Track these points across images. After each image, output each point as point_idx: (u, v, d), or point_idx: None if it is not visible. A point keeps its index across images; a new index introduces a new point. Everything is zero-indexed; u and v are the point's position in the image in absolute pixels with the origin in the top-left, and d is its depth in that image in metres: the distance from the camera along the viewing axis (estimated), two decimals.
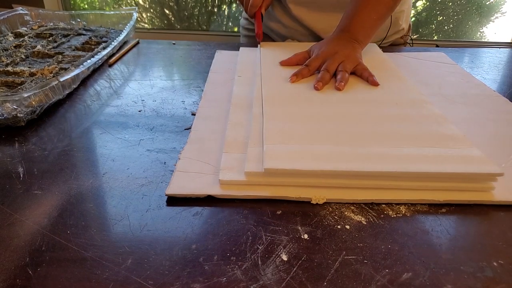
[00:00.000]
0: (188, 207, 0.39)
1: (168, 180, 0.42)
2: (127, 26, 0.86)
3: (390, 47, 0.92)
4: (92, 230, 0.36)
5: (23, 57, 0.70)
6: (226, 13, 2.26)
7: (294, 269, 0.32)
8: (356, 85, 0.61)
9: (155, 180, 0.42)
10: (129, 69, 0.74)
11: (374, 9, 0.70)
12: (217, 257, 0.33)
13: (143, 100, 0.61)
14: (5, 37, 0.81)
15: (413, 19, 2.38)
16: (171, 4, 2.47)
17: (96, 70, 0.73)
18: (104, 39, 0.83)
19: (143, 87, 0.66)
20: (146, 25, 2.56)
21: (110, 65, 0.75)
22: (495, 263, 0.33)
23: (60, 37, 0.82)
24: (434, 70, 0.73)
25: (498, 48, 0.89)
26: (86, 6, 2.56)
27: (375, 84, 0.60)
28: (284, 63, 0.68)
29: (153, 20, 2.58)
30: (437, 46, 2.21)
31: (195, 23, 2.48)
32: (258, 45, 0.80)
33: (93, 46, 0.78)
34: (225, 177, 0.41)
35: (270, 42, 0.81)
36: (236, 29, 2.24)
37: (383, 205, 0.39)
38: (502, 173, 0.39)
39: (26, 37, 0.81)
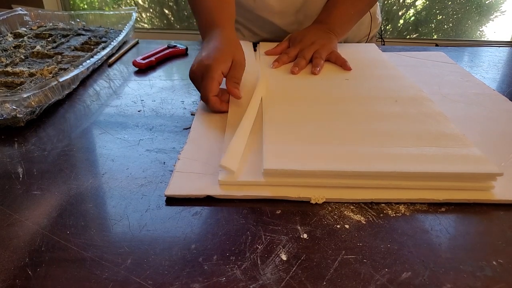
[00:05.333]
0: (187, 207, 0.39)
1: (168, 180, 0.42)
2: (126, 26, 0.86)
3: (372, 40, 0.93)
4: (92, 230, 0.36)
5: (23, 57, 0.70)
6: None
7: (294, 268, 0.32)
8: (356, 82, 0.61)
9: (155, 180, 0.42)
10: (128, 69, 0.74)
11: (353, 4, 0.75)
12: (217, 257, 0.33)
13: (143, 100, 0.61)
14: (5, 38, 0.81)
15: (412, 18, 2.38)
16: (171, 4, 2.47)
17: (96, 70, 0.73)
18: (103, 39, 0.83)
19: (142, 87, 0.66)
20: (145, 25, 2.56)
21: (110, 65, 0.75)
22: (494, 262, 0.33)
23: (59, 38, 0.82)
24: (433, 69, 0.73)
25: (498, 47, 0.89)
26: (85, 6, 2.56)
27: (347, 68, 0.66)
28: (268, 53, 0.73)
29: (153, 20, 2.57)
30: (436, 45, 2.21)
31: (195, 23, 2.48)
32: (258, 44, 0.80)
33: (92, 46, 0.78)
34: (224, 177, 0.41)
35: (268, 42, 0.81)
36: None
37: (383, 205, 0.39)
38: (502, 173, 0.39)
39: (25, 37, 0.81)
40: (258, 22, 0.83)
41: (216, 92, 0.54)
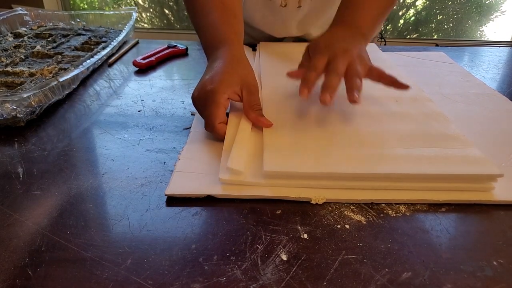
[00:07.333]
0: (187, 207, 0.39)
1: (168, 180, 0.42)
2: (126, 26, 0.85)
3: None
4: (92, 230, 0.36)
5: (23, 57, 0.70)
6: None
7: (294, 268, 0.32)
8: None
9: (155, 180, 0.42)
10: (128, 69, 0.74)
11: (377, 3, 0.60)
12: (217, 257, 0.33)
13: (143, 100, 0.61)
14: (5, 38, 0.80)
15: (412, 18, 2.38)
16: (171, 4, 2.47)
17: (96, 70, 0.73)
18: (103, 39, 0.83)
19: (142, 87, 0.66)
20: (145, 25, 2.56)
21: (110, 65, 0.75)
22: (495, 263, 0.33)
23: (59, 37, 0.82)
24: (434, 69, 0.72)
25: (498, 47, 0.89)
26: (85, 6, 2.56)
27: (405, 87, 0.49)
28: (292, 75, 0.54)
29: (153, 20, 2.58)
30: (436, 45, 2.20)
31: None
32: (258, 44, 0.80)
33: (92, 46, 0.78)
34: (224, 176, 0.41)
35: (269, 42, 0.81)
36: None
37: (383, 205, 0.39)
38: (502, 174, 0.39)
39: (25, 37, 0.81)
40: (255, 32, 0.83)
41: (223, 119, 0.47)
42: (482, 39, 2.37)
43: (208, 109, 0.47)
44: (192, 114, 0.57)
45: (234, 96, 0.48)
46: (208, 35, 0.56)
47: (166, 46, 0.80)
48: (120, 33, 0.82)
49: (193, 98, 0.49)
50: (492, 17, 2.30)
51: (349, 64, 0.48)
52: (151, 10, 2.54)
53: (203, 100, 0.48)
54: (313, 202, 0.39)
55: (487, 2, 2.28)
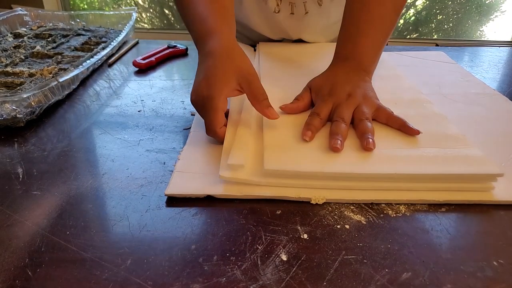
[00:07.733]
0: (187, 208, 0.39)
1: (168, 180, 0.42)
2: (126, 26, 0.86)
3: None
4: (92, 231, 0.36)
5: (23, 57, 0.70)
6: None
7: (294, 269, 0.32)
8: None
9: (155, 180, 0.42)
10: (128, 69, 0.74)
11: (380, 27, 0.56)
12: (217, 257, 0.33)
13: (143, 100, 0.61)
14: (5, 38, 0.81)
15: (412, 18, 2.39)
16: (171, 4, 2.47)
17: (96, 71, 0.73)
18: (103, 39, 0.83)
19: (142, 87, 0.66)
20: (145, 25, 2.56)
21: (110, 65, 0.75)
22: (495, 263, 0.33)
23: (59, 38, 0.82)
24: (433, 69, 0.72)
25: (498, 47, 0.89)
26: (85, 6, 2.56)
27: (415, 133, 0.46)
28: (287, 110, 0.52)
29: (153, 20, 2.58)
30: (436, 45, 2.20)
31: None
32: (257, 45, 0.80)
33: (92, 47, 0.78)
34: (225, 173, 0.41)
35: (268, 43, 0.81)
36: None
37: (383, 205, 0.39)
38: (502, 174, 0.39)
39: (25, 37, 0.81)
40: (254, 34, 0.83)
41: (223, 123, 0.46)
42: (482, 39, 2.37)
43: (207, 116, 0.46)
44: (192, 114, 0.57)
45: (233, 93, 0.47)
46: (196, 29, 0.53)
47: (166, 46, 0.80)
48: (120, 33, 0.82)
49: (191, 101, 0.48)
50: (492, 17, 2.31)
51: (355, 109, 0.49)
52: (151, 10, 2.54)
53: (200, 106, 0.47)
54: (313, 202, 0.39)
55: (487, 2, 2.28)
